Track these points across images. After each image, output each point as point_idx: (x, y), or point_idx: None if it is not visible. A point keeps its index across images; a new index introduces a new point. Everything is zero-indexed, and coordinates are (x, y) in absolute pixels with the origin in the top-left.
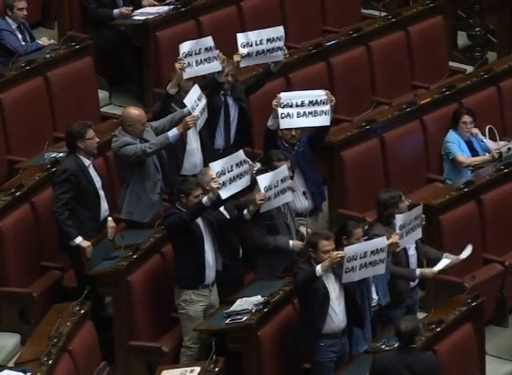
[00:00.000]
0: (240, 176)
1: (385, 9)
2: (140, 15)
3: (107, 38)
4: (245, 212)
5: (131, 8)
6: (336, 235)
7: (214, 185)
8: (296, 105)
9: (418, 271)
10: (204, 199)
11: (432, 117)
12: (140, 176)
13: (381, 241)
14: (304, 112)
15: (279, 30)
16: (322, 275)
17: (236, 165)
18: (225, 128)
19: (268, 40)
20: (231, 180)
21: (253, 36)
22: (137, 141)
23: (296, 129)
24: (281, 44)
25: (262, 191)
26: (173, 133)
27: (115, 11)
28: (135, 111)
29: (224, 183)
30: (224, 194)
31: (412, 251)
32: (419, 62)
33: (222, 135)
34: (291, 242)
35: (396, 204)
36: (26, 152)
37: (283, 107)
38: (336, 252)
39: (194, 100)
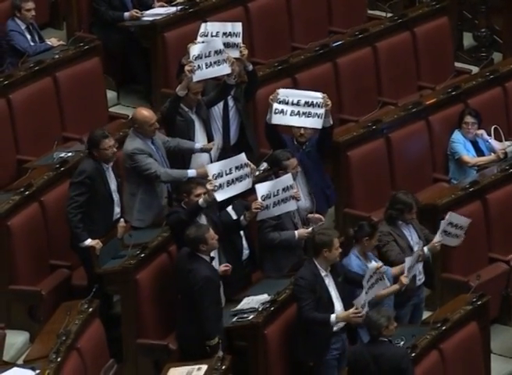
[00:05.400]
0: (239, 179)
1: (391, 10)
2: (148, 16)
3: (114, 40)
4: (242, 218)
5: (142, 12)
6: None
7: (209, 187)
8: (292, 103)
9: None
10: (200, 201)
11: (438, 117)
12: (150, 183)
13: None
14: (298, 111)
15: (237, 26)
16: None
17: (236, 168)
18: (223, 128)
19: (225, 33)
20: (229, 183)
21: (210, 27)
22: (149, 143)
23: (306, 129)
24: (237, 40)
25: (259, 199)
26: (192, 175)
27: (126, 14)
28: (143, 112)
29: (221, 186)
30: (220, 196)
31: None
32: (425, 62)
33: (220, 135)
34: (296, 233)
35: (403, 213)
36: (35, 152)
37: (279, 103)
38: (352, 311)
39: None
